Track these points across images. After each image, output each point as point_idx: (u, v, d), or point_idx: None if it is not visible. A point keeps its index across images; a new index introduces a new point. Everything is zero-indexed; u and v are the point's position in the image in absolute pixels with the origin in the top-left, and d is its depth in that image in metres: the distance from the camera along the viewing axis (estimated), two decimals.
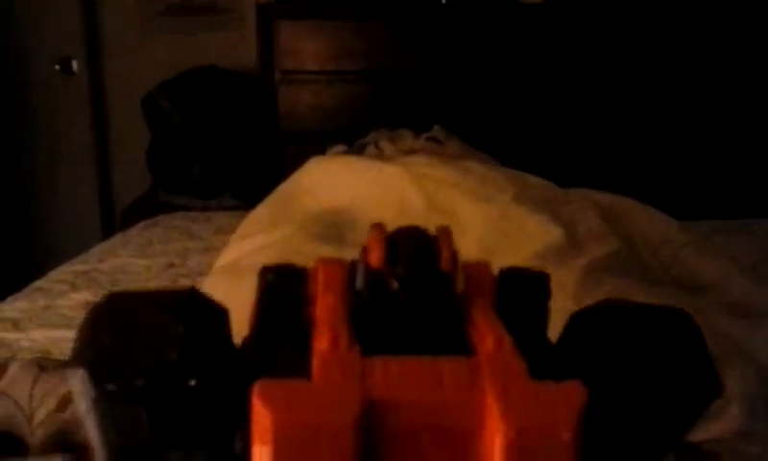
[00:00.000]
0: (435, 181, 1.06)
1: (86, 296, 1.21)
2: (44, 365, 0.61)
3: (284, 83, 2.09)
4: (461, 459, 0.17)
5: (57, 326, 1.05)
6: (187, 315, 0.20)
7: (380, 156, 1.50)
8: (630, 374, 0.20)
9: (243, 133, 2.23)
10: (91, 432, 0.21)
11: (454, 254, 0.20)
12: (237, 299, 0.37)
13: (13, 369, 0.60)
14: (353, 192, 1.09)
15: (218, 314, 0.21)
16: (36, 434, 0.55)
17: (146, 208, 2.15)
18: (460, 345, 0.19)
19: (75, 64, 2.49)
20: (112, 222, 2.50)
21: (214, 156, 2.22)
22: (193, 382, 0.20)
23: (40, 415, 0.56)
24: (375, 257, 0.20)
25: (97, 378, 0.20)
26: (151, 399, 0.20)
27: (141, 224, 1.73)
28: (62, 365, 0.63)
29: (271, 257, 0.90)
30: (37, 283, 1.30)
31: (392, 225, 0.75)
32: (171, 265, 1.38)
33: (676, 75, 1.98)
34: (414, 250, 0.20)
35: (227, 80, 2.29)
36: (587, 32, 2.01)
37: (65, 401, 0.55)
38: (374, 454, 0.16)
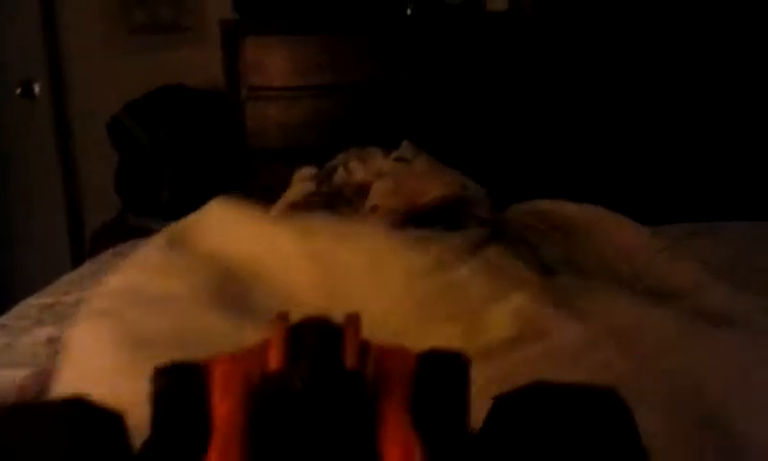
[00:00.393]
0: (334, 269, 0.98)
1: (51, 331, 1.18)
2: None
3: (251, 99, 2.07)
4: None
5: (17, 365, 1.02)
6: (70, 432, 0.18)
7: (348, 182, 1.47)
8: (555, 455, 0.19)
9: (212, 152, 2.20)
10: None
11: (363, 346, 0.19)
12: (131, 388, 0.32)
13: None
14: (253, 252, 1.03)
15: (110, 423, 0.19)
16: None
17: (115, 233, 2.11)
18: (368, 452, 0.18)
19: (36, 88, 2.44)
20: (82, 247, 2.45)
21: (183, 176, 2.19)
22: None
23: None
24: (276, 357, 0.19)
25: None
26: None
27: (110, 251, 1.70)
28: None
29: (162, 323, 0.83)
30: (0, 320, 1.26)
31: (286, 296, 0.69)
32: None
33: (641, 80, 2.00)
34: (317, 346, 0.19)
35: (193, 98, 2.27)
36: (552, 39, 2.02)
37: None
38: None
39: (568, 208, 1.40)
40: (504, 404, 0.20)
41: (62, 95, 2.46)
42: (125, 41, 2.41)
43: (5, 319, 1.26)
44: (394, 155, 1.59)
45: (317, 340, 0.19)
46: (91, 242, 2.29)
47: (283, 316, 0.20)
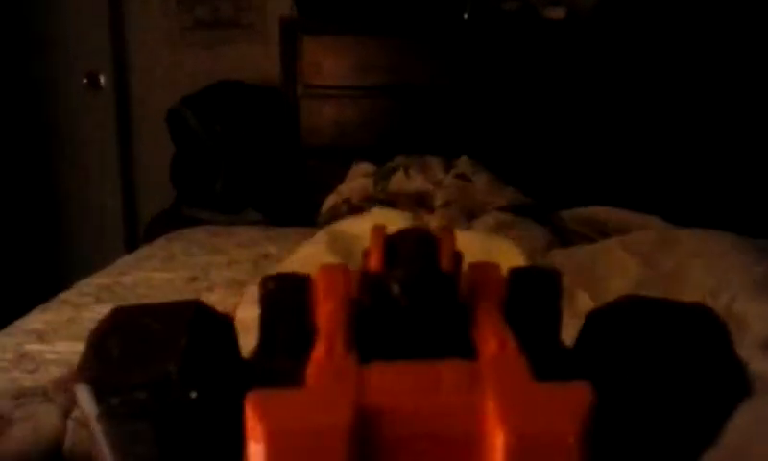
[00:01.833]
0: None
1: (110, 308, 1.22)
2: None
3: (307, 97, 2.11)
4: None
5: (81, 338, 1.06)
6: (190, 327, 0.20)
7: (406, 188, 1.49)
8: (650, 373, 0.19)
9: (266, 147, 2.25)
10: (102, 452, 0.21)
11: (457, 255, 0.20)
12: None
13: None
14: None
15: (224, 326, 0.22)
16: None
17: (169, 222, 2.17)
18: (464, 350, 0.19)
19: (102, 79, 2.53)
20: (136, 235, 2.53)
21: (238, 170, 2.24)
22: (194, 395, 0.20)
23: None
24: (374, 261, 0.20)
25: (101, 394, 0.20)
26: (154, 412, 0.20)
27: (164, 237, 1.75)
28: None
29: None
30: (63, 296, 1.31)
31: None
32: (194, 279, 1.39)
33: (700, 87, 1.96)
34: (414, 251, 0.20)
35: (250, 94, 2.32)
36: (610, 47, 2.00)
37: None
38: None
39: (621, 216, 1.38)
40: (597, 319, 0.21)
41: (126, 87, 2.55)
42: (186, 36, 2.48)
43: (66, 295, 1.31)
44: (453, 171, 1.60)
45: (412, 246, 0.20)
46: (146, 231, 2.35)
47: (380, 228, 0.21)
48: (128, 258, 1.63)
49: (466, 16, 2.06)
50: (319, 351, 0.18)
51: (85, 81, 2.52)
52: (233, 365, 0.21)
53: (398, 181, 1.52)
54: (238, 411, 0.17)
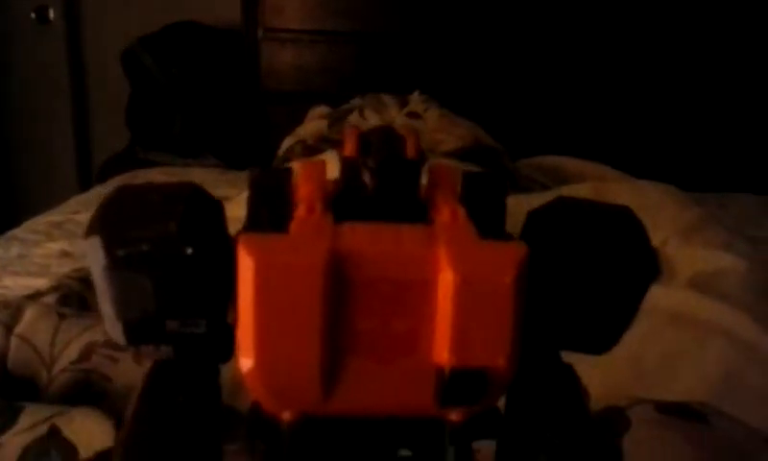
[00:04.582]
0: None
1: (62, 245, 1.20)
2: (63, 313, 0.60)
3: (267, 40, 2.06)
4: (416, 305, 0.20)
5: (31, 274, 1.04)
6: (187, 198, 0.23)
7: (363, 126, 1.49)
8: (578, 253, 0.23)
9: (225, 91, 2.20)
10: (104, 306, 0.23)
11: (420, 150, 0.23)
12: None
13: (31, 313, 0.59)
14: None
15: (215, 204, 0.25)
16: (54, 382, 0.55)
17: (124, 165, 2.11)
18: (422, 214, 0.22)
19: (51, 13, 2.42)
20: (89, 177, 2.46)
21: (195, 114, 2.19)
22: (189, 251, 0.22)
23: (61, 363, 0.56)
24: (349, 149, 0.23)
25: (109, 246, 0.22)
26: (153, 265, 0.22)
27: (119, 177, 1.71)
28: (80, 313, 0.62)
29: None
30: (13, 232, 1.28)
31: None
32: None
33: (668, 51, 1.99)
34: (383, 141, 0.23)
35: (209, 36, 2.25)
36: None
37: (88, 352, 0.56)
38: (341, 299, 0.19)
39: (576, 165, 1.40)
40: (536, 214, 0.25)
41: (77, 23, 2.45)
42: None
43: (17, 232, 1.28)
44: (405, 109, 1.60)
45: (382, 137, 0.23)
46: (99, 173, 2.30)
47: (354, 127, 0.25)
48: (80, 197, 1.60)
49: None
50: (300, 212, 0.21)
51: (33, 15, 2.41)
52: (222, 235, 0.24)
53: (353, 123, 1.51)
54: (226, 273, 0.20)
